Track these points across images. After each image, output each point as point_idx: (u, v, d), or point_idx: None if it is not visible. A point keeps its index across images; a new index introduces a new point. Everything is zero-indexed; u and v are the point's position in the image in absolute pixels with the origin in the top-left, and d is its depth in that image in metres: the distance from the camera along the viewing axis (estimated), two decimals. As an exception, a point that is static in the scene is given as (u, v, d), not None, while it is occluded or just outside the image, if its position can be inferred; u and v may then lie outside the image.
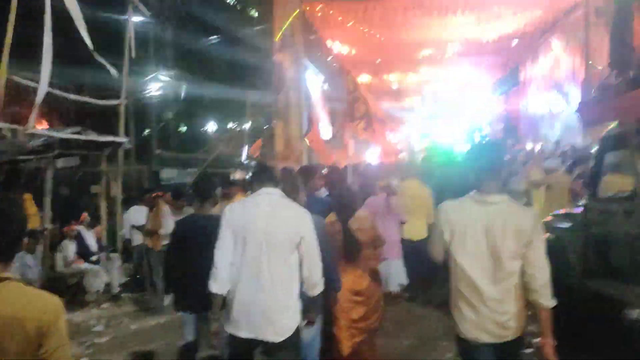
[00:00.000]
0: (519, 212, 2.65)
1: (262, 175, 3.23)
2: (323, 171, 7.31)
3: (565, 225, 4.97)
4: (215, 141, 13.92)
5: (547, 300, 2.61)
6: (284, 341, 2.96)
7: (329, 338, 3.84)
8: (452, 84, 24.15)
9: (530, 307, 2.71)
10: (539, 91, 16.95)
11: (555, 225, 5.11)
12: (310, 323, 3.36)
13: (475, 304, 2.61)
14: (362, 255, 3.98)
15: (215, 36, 13.69)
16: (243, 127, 13.52)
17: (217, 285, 2.99)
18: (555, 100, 15.42)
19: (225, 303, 3.04)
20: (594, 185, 4.63)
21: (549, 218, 5.54)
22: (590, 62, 11.63)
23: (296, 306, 3.07)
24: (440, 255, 2.79)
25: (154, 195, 7.67)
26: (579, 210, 4.89)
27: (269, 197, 3.13)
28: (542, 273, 2.60)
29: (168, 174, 13.55)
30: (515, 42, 16.31)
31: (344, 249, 3.92)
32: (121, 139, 7.97)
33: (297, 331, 3.06)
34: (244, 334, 2.98)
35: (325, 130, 15.28)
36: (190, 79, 14.37)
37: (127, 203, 9.10)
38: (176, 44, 14.63)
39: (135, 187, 13.67)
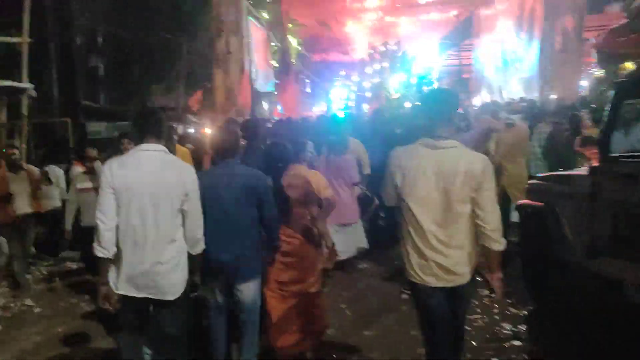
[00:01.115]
0: (469, 156, 2.66)
1: (145, 125, 3.00)
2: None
3: (563, 190, 4.13)
4: (149, 92, 12.59)
5: (497, 244, 2.65)
6: (175, 299, 2.98)
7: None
8: (402, 36, 23.45)
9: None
10: (493, 42, 16.48)
11: (547, 190, 4.37)
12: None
13: (423, 247, 2.65)
14: (293, 214, 3.73)
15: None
16: (179, 76, 12.28)
17: (103, 249, 2.87)
18: (511, 49, 14.96)
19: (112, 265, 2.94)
20: (605, 141, 3.71)
21: (534, 181, 4.88)
22: None
23: (185, 264, 3.04)
24: (392, 200, 2.83)
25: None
26: (582, 172, 4.01)
27: (151, 154, 2.96)
28: (492, 217, 2.62)
29: (95, 127, 12.21)
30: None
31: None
32: (23, 84, 6.65)
33: (186, 289, 3.06)
34: (134, 293, 2.94)
35: (263, 82, 14.26)
36: (118, 20, 12.85)
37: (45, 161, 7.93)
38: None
39: (59, 141, 12.33)
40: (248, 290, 3.38)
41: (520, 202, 4.88)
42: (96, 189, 3.72)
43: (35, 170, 6.41)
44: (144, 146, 2.96)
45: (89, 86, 13.77)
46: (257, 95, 13.27)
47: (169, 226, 2.93)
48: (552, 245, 4.14)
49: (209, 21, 11.28)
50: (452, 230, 2.63)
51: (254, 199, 3.35)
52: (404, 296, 4.74)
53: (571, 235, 3.96)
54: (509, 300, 4.56)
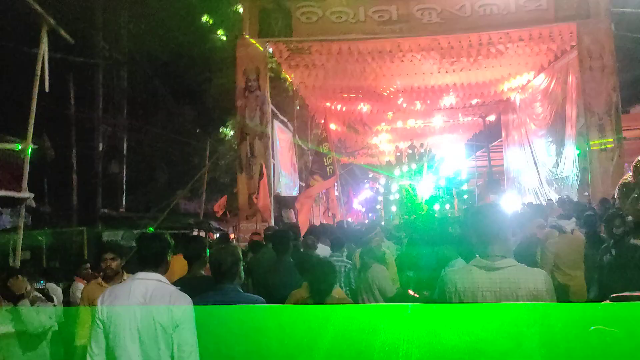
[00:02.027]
0: (529, 274, 2.55)
1: (142, 255, 2.97)
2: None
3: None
4: (169, 197, 12.15)
5: None
6: None
7: None
8: (429, 139, 23.27)
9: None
10: (525, 141, 15.94)
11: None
12: None
13: None
14: None
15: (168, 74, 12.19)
16: (202, 180, 11.85)
17: None
18: (544, 150, 14.35)
19: None
20: None
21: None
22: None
23: None
24: None
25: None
26: None
27: (144, 283, 2.89)
28: None
29: (111, 237, 11.63)
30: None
31: None
32: (21, 194, 5.99)
33: None
34: None
35: (288, 186, 13.74)
36: (141, 126, 12.79)
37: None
38: (126, 86, 13.11)
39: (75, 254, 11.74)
40: None
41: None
42: None
43: None
44: (140, 274, 2.91)
45: (109, 193, 13.43)
46: (281, 201, 12.68)
47: (155, 358, 2.77)
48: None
49: (233, 125, 10.96)
50: None
51: None
52: None
53: None
54: None
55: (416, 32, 10.83)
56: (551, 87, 13.20)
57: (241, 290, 3.28)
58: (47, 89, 6.26)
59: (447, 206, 26.04)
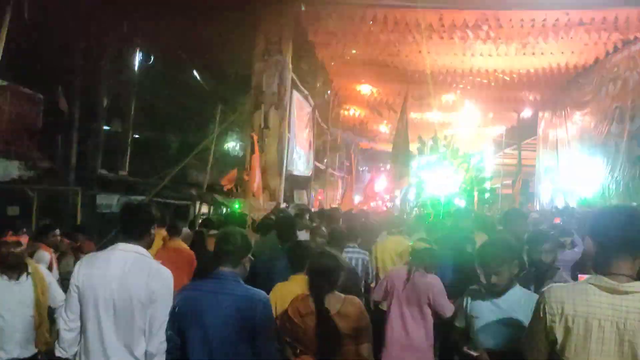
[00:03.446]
0: None
1: (125, 226, 2.88)
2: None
3: None
4: (173, 163, 11.14)
5: None
6: None
7: None
8: (459, 128, 21.97)
9: None
10: (566, 140, 14.63)
11: None
12: None
13: None
14: (340, 353, 2.92)
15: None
16: (209, 149, 10.82)
17: (62, 349, 2.78)
18: (590, 152, 13.03)
19: None
20: None
21: None
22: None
23: None
24: (538, 356, 2.11)
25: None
26: None
27: (124, 254, 2.80)
28: None
29: (106, 200, 10.66)
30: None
31: (316, 340, 2.93)
32: None
33: None
34: None
35: (303, 165, 12.67)
36: (150, 86, 11.72)
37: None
38: (136, 39, 12.02)
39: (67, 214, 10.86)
40: None
41: None
42: None
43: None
44: (120, 245, 2.85)
45: (111, 154, 12.45)
46: (293, 180, 11.61)
47: (128, 336, 2.70)
48: None
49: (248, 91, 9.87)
50: None
51: (247, 332, 2.68)
52: None
53: None
54: None
55: (463, 4, 9.56)
56: (606, 83, 11.85)
57: (241, 282, 2.83)
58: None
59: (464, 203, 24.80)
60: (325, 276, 2.99)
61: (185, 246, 5.62)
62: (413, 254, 4.30)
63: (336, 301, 2.98)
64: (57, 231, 5.63)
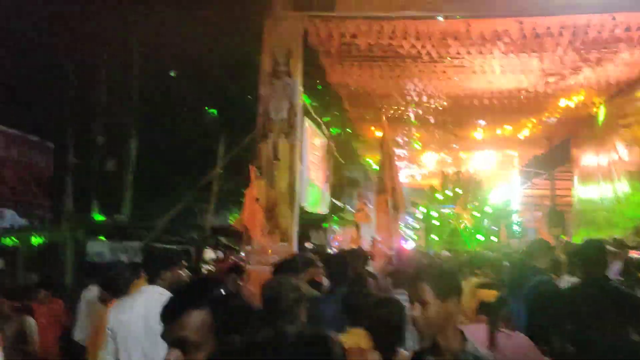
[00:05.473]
0: None
1: (145, 267, 3.50)
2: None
3: None
4: (172, 204, 9.95)
5: None
6: None
7: None
8: (479, 160, 20.69)
9: None
10: (604, 170, 13.20)
11: None
12: None
13: None
14: None
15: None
16: (211, 185, 9.66)
17: None
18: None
19: None
20: None
21: None
22: None
23: None
24: None
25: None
26: None
27: (147, 295, 3.18)
28: None
29: (96, 248, 9.43)
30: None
31: None
32: None
33: None
34: None
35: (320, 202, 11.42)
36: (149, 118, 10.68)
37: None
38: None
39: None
40: None
41: None
42: None
43: None
44: (144, 288, 3.30)
45: (105, 196, 11.31)
46: (307, 217, 10.33)
47: None
48: None
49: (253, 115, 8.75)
50: None
51: None
52: None
53: None
54: None
55: (494, 10, 8.42)
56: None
57: None
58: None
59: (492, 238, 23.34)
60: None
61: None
62: (486, 307, 3.02)
63: None
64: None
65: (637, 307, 3.29)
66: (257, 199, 9.00)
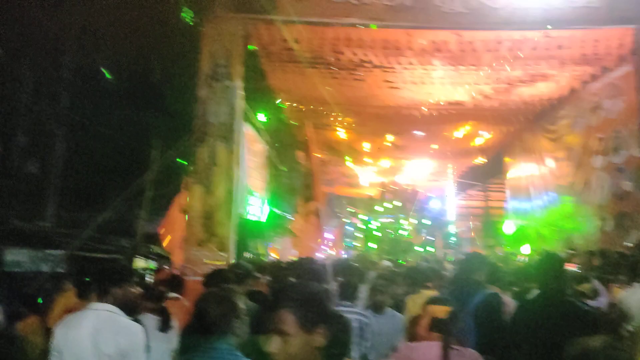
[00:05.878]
0: None
1: (95, 283, 3.15)
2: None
3: None
4: (101, 210, 9.38)
5: None
6: None
7: None
8: (416, 171, 20.98)
9: None
10: (536, 179, 13.72)
11: None
12: None
13: None
14: None
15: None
16: (144, 190, 9.21)
17: None
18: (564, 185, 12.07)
19: None
20: None
21: None
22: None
23: None
24: None
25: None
26: None
27: (95, 313, 3.03)
28: None
29: (15, 256, 8.71)
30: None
31: None
32: None
33: None
34: None
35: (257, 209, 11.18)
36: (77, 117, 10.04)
37: None
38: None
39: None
40: None
41: None
42: None
43: None
44: (92, 305, 3.08)
45: (28, 200, 10.51)
46: (245, 226, 10.03)
47: None
48: None
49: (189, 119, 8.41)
50: None
51: None
52: None
53: None
54: None
55: (434, 22, 8.53)
56: (583, 115, 11.03)
57: (239, 354, 2.53)
58: None
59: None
60: None
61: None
62: (437, 323, 2.89)
63: None
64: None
65: (591, 322, 3.29)
66: (184, 210, 8.68)
